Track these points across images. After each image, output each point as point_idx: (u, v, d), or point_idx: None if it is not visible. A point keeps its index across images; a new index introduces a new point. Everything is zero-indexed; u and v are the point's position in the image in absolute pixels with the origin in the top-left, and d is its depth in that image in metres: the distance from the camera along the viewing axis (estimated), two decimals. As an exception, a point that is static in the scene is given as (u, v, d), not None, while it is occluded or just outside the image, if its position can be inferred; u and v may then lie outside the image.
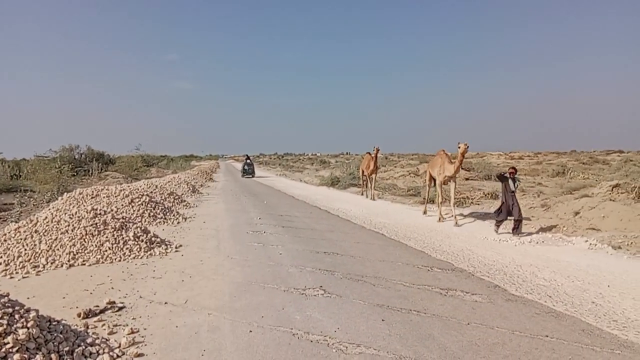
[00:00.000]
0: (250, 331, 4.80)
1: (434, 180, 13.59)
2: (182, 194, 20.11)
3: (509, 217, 10.49)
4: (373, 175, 19.53)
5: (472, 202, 16.30)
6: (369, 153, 20.03)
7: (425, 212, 14.49)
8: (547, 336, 4.61)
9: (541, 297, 5.96)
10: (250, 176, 37.50)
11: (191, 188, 21.99)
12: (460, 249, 9.09)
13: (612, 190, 12.53)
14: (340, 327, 4.89)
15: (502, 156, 49.90)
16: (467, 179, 26.45)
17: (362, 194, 21.18)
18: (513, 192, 10.48)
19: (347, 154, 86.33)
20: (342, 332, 4.74)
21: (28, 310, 4.01)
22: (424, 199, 15.04)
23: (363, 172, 20.85)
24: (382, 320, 5.09)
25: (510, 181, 10.51)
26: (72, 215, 8.80)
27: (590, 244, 9.00)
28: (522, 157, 46.92)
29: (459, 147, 11.53)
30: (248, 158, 38.94)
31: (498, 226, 10.72)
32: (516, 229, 10.29)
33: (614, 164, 31.53)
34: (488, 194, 17.09)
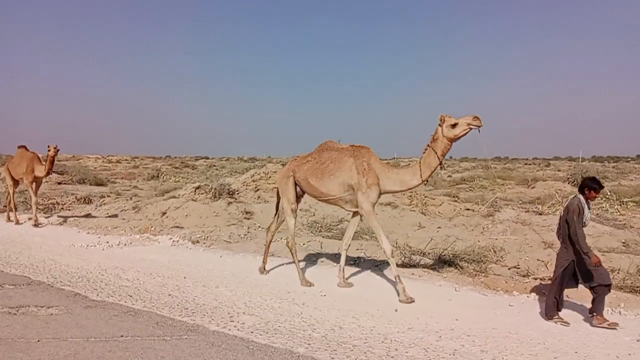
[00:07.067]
0: None
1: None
2: None
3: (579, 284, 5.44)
4: (35, 184, 12.40)
5: (62, 208, 15.15)
6: (25, 147, 12.79)
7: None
8: (122, 336, 4.72)
9: (122, 298, 6.08)
10: None
11: None
12: (42, 259, 8.26)
13: (194, 191, 14.14)
14: None
15: (100, 159, 48.55)
16: (59, 183, 24.49)
17: (10, 216, 12.93)
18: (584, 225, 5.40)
19: None
20: None
21: None
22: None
23: (13, 179, 12.95)
24: None
25: (585, 208, 5.38)
26: None
27: (174, 240, 9.85)
28: (119, 161, 46.97)
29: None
30: None
31: (552, 314, 5.36)
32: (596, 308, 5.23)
33: (200, 168, 36.10)
34: (81, 198, 16.30)
